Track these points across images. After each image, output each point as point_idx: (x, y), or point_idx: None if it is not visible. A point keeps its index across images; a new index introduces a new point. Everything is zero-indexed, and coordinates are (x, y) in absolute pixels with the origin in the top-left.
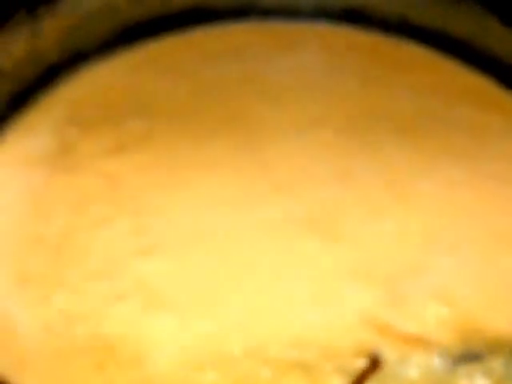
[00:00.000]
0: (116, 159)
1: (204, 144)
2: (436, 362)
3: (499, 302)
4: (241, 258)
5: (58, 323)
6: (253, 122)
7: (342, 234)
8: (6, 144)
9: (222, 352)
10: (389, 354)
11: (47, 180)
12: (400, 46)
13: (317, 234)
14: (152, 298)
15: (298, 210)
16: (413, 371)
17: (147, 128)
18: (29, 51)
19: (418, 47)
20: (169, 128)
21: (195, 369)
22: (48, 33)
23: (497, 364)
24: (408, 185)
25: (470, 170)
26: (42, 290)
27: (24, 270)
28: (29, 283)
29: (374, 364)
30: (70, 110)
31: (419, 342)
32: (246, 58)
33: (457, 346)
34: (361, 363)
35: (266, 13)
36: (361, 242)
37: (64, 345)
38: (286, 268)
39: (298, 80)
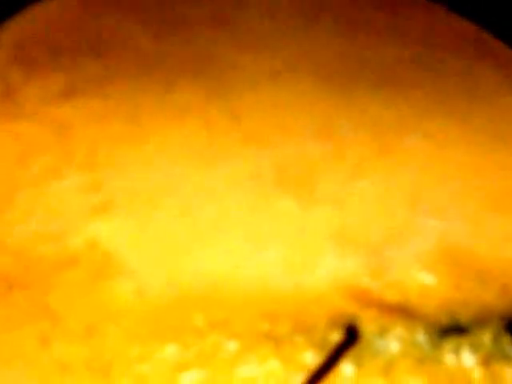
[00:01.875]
0: (66, 105)
1: (168, 91)
2: (419, 335)
3: (489, 271)
4: (206, 218)
5: None
6: (222, 67)
7: (319, 194)
8: None
9: (183, 324)
10: (367, 325)
11: None
12: None
13: (291, 193)
14: (106, 262)
15: (271, 165)
16: (393, 345)
17: (102, 71)
18: None
19: None
20: (128, 71)
21: (153, 342)
22: None
23: (485, 338)
24: (393, 140)
25: (461, 124)
26: None
27: None
28: None
29: (351, 337)
30: (13, 49)
31: (401, 313)
32: (217, 0)
33: (442, 318)
34: (336, 336)
35: None
36: (340, 203)
37: (3, 314)
38: (257, 230)
39: (273, 25)
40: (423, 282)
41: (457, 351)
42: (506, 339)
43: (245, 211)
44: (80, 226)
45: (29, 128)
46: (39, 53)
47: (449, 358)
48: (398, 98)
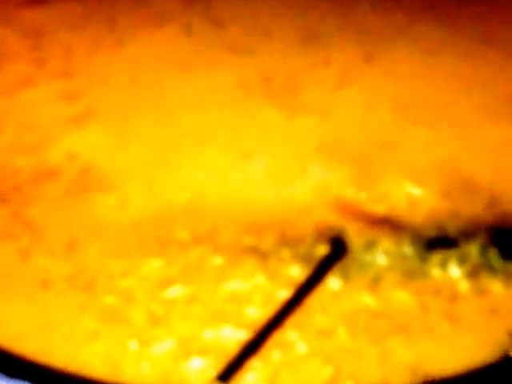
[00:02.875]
0: (40, 9)
1: None
2: (406, 247)
3: (478, 182)
4: (189, 128)
5: None
6: None
7: (305, 103)
8: None
9: (167, 238)
10: (354, 238)
11: None
12: None
13: (276, 103)
14: (85, 174)
15: (255, 74)
16: (380, 258)
17: None
18: None
19: None
20: None
21: (135, 256)
22: None
23: (472, 250)
24: (381, 46)
25: (450, 30)
26: None
27: None
28: None
29: (338, 250)
30: None
31: (388, 225)
32: None
33: (430, 229)
34: (322, 249)
35: None
36: (326, 113)
37: None
38: (241, 141)
39: None
40: (411, 193)
41: (444, 264)
42: (492, 251)
43: (228, 121)
44: (58, 137)
45: (1, 33)
46: None
47: (436, 271)
48: (386, 3)
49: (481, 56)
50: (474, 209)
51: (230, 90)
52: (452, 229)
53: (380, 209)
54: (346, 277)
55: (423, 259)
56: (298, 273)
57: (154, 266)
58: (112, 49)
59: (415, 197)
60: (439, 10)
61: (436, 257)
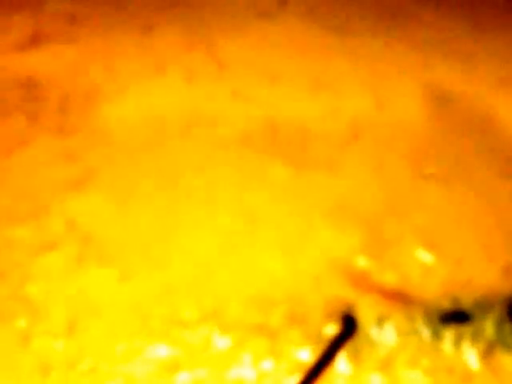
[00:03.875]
0: (33, 54)
1: (146, 33)
2: (419, 323)
3: (494, 249)
4: (193, 192)
5: None
6: (206, 2)
7: (313, 158)
8: None
9: (171, 316)
10: (365, 313)
11: None
12: None
13: (283, 158)
14: (86, 245)
15: (261, 125)
16: (392, 335)
17: (71, 12)
18: None
19: None
20: (100, 12)
21: (140, 338)
22: None
23: (487, 326)
24: (392, 91)
25: (466, 73)
26: None
27: None
28: None
29: (348, 328)
30: None
31: (400, 298)
32: None
33: (443, 302)
34: (332, 328)
35: None
36: (335, 168)
37: None
38: (247, 205)
39: None
40: (423, 261)
41: (458, 340)
42: (508, 327)
43: (234, 182)
44: (56, 204)
45: None
46: None
47: (449, 348)
48: (400, 40)
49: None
50: (489, 278)
51: (235, 144)
52: (466, 301)
53: (392, 279)
54: (356, 357)
55: (436, 335)
56: (307, 354)
57: (158, 348)
58: (111, 99)
59: (428, 265)
60: (456, 53)
61: (450, 333)
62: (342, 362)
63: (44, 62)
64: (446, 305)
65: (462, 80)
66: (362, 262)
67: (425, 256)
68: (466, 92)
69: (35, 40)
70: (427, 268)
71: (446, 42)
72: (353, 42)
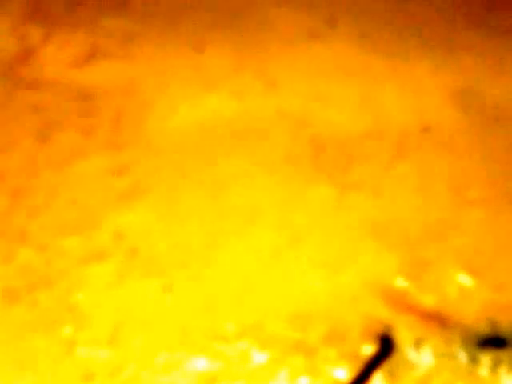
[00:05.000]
0: (88, 70)
1: (198, 51)
2: (456, 346)
3: None
4: (238, 208)
5: (19, 287)
6: (257, 22)
7: (357, 178)
8: None
9: (212, 330)
10: (402, 334)
11: (4, 97)
12: None
13: (327, 177)
14: (132, 257)
15: (306, 145)
16: (428, 357)
17: (126, 27)
18: None
19: None
20: (154, 27)
21: (181, 350)
22: None
23: None
24: (438, 115)
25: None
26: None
27: None
28: None
29: (385, 349)
30: (28, 3)
31: (438, 320)
32: None
33: (481, 326)
34: (369, 347)
35: None
36: (378, 190)
37: (28, 315)
38: (289, 221)
39: None
40: (463, 284)
41: (495, 366)
42: None
43: (278, 199)
44: (106, 215)
45: (48, 98)
46: (58, 7)
47: (486, 373)
48: (446, 65)
49: None
50: None
51: (280, 162)
52: (505, 325)
53: (430, 301)
54: (392, 377)
55: (473, 359)
56: (343, 373)
57: (199, 360)
58: (162, 115)
59: (467, 288)
60: (505, 77)
61: (487, 357)
62: (377, 381)
63: (99, 78)
64: (484, 329)
65: (507, 100)
66: (401, 283)
67: (464, 279)
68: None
69: (91, 56)
70: (466, 291)
71: (493, 63)
72: (400, 66)
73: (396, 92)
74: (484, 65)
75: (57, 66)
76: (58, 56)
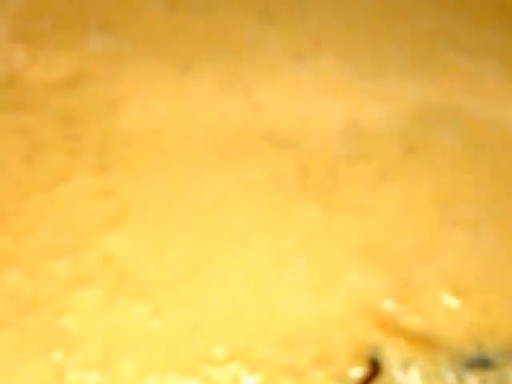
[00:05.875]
0: (74, 93)
1: (184, 75)
2: (443, 367)
3: None
4: (224, 229)
5: (7, 312)
6: (244, 44)
7: (344, 200)
8: None
9: (201, 354)
10: (390, 356)
11: None
12: None
13: (315, 200)
14: (121, 280)
15: (294, 167)
16: (416, 379)
17: (112, 50)
18: None
19: None
20: (139, 49)
21: (171, 375)
22: None
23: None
24: (423, 138)
25: (496, 112)
26: None
27: None
28: None
29: (374, 372)
30: (14, 23)
31: (425, 342)
32: None
33: (466, 347)
34: (358, 370)
35: None
36: (365, 212)
37: (13, 339)
38: (278, 245)
39: None
40: (449, 306)
41: None
42: None
43: (265, 222)
44: (94, 239)
45: (34, 121)
46: (43, 27)
47: None
48: (432, 85)
49: None
50: None
51: (266, 185)
52: (491, 347)
53: (417, 323)
54: None
55: (460, 380)
56: None
57: (188, 383)
58: (148, 138)
59: (454, 310)
60: (487, 98)
61: (473, 378)
62: None
63: (85, 100)
64: (471, 350)
65: (491, 121)
66: (388, 306)
67: (451, 301)
68: (496, 133)
69: (77, 78)
70: (453, 313)
71: (476, 84)
72: (384, 87)
73: (381, 113)
74: (468, 86)
75: (42, 88)
76: (43, 78)
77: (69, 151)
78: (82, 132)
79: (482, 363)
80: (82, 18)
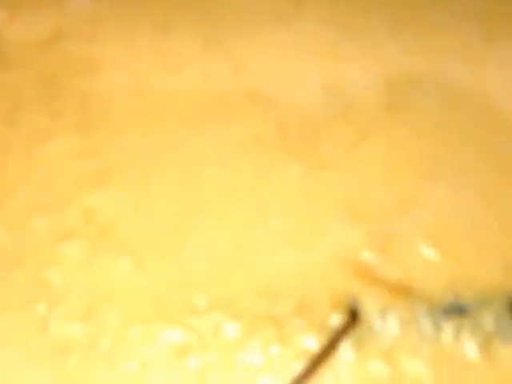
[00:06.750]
0: (55, 52)
1: (164, 35)
2: (420, 315)
3: (496, 247)
4: (207, 187)
5: None
6: (225, 5)
7: (325, 158)
8: None
9: (184, 304)
10: (368, 305)
11: None
12: None
13: (296, 157)
14: (103, 235)
15: (275, 125)
16: (394, 326)
17: (92, 11)
18: None
19: None
20: (121, 11)
21: (154, 324)
22: None
23: (486, 319)
24: (403, 97)
25: (476, 77)
26: None
27: None
28: None
29: (352, 319)
30: None
31: (403, 291)
32: None
33: (443, 296)
34: (337, 318)
35: None
36: (345, 168)
37: (2, 294)
38: (260, 200)
39: None
40: (427, 256)
41: (457, 332)
42: (506, 320)
43: (248, 178)
44: (75, 196)
45: (14, 80)
46: None
47: (449, 340)
48: (414, 45)
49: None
50: (489, 274)
51: (250, 143)
52: (467, 295)
53: (396, 273)
54: (359, 345)
55: (437, 327)
56: (313, 342)
57: (172, 333)
58: (128, 96)
59: (431, 260)
60: (468, 58)
61: (450, 325)
62: (346, 350)
63: (65, 60)
64: (447, 298)
65: (473, 83)
66: (367, 257)
67: (428, 252)
68: (478, 95)
69: (57, 38)
70: (430, 263)
71: (460, 46)
72: (366, 47)
73: (362, 72)
74: (452, 48)
75: (22, 47)
76: (23, 37)
77: (50, 111)
78: (62, 91)
79: (457, 310)
80: None
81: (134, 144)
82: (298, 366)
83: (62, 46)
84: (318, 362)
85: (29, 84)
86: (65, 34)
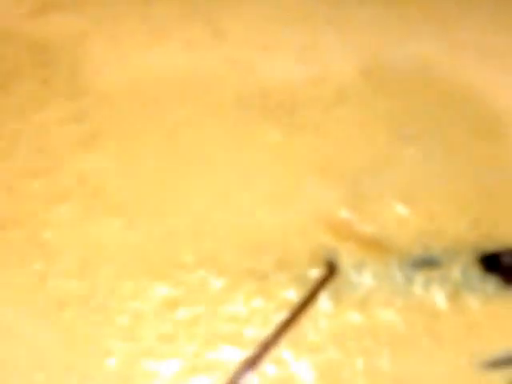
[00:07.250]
0: (43, 22)
1: (147, 5)
2: (393, 268)
3: (465, 203)
4: (190, 149)
5: None
6: None
7: (302, 120)
8: None
9: (172, 260)
10: (345, 259)
11: None
12: None
13: (274, 120)
14: (95, 197)
15: (255, 90)
16: (368, 279)
17: None
18: None
19: None
20: None
21: (144, 279)
22: None
23: (455, 271)
24: (379, 60)
25: (449, 44)
26: None
27: None
28: None
29: (330, 272)
30: None
31: (376, 246)
32: None
33: (414, 250)
34: (316, 271)
35: None
36: (321, 130)
37: (1, 254)
38: (241, 162)
39: None
40: (399, 213)
41: (427, 284)
42: (474, 272)
43: (229, 141)
44: (68, 160)
45: (3, 49)
46: None
47: (419, 291)
48: (387, 12)
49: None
50: (458, 228)
51: (229, 107)
52: (436, 248)
53: (370, 229)
54: (336, 297)
55: (408, 279)
56: (293, 294)
57: (161, 288)
58: (115, 65)
59: (403, 217)
60: (441, 26)
61: (420, 277)
62: (324, 301)
63: (52, 30)
64: (418, 252)
65: (445, 51)
66: (343, 214)
67: (400, 209)
68: (448, 62)
69: (44, 8)
70: (402, 219)
71: (433, 14)
72: (341, 14)
73: (338, 38)
74: (424, 11)
75: (10, 17)
76: (11, 8)
77: (40, 79)
78: (51, 60)
79: (427, 263)
80: None
81: (121, 109)
82: (280, 317)
83: (50, 17)
84: (298, 312)
85: (17, 53)
86: (52, 4)
